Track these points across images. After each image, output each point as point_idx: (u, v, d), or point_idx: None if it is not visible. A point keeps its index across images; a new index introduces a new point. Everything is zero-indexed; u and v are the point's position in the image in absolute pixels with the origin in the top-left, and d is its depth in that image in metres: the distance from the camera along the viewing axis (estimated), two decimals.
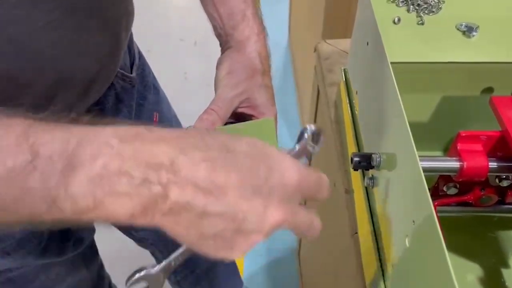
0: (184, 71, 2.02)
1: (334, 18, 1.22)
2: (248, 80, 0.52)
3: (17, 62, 0.44)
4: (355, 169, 0.55)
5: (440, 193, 0.55)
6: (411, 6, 0.63)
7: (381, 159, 0.50)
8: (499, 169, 0.50)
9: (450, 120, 0.64)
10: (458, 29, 0.61)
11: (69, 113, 0.34)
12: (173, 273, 1.11)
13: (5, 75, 0.44)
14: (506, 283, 0.57)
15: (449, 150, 0.52)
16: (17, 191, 0.30)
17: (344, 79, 0.70)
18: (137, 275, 0.37)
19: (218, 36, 0.56)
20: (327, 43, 0.82)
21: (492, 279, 0.58)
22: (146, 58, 0.77)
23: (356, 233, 0.61)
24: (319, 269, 1.03)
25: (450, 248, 0.59)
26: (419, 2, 0.63)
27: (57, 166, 0.30)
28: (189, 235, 0.32)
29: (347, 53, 0.76)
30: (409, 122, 0.42)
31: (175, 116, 0.85)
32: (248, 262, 1.48)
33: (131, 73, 0.66)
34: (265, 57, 0.54)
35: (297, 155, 0.39)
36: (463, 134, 0.50)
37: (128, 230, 0.88)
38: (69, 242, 0.70)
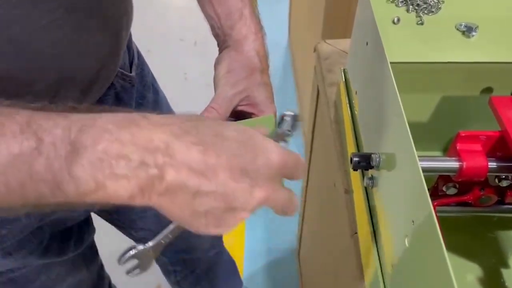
0: (184, 71, 2.02)
1: (334, 18, 1.22)
2: (247, 79, 0.53)
3: (18, 62, 0.44)
4: (355, 169, 0.55)
5: (439, 193, 0.55)
6: (411, 6, 0.63)
7: (381, 159, 0.50)
8: (499, 169, 0.50)
9: (449, 120, 0.64)
10: (457, 29, 0.61)
11: (67, 102, 0.37)
12: (173, 273, 1.11)
13: (6, 75, 0.44)
14: (506, 283, 0.57)
15: (448, 150, 0.52)
16: (23, 176, 0.32)
17: (343, 79, 0.70)
18: (129, 253, 0.40)
19: (216, 35, 0.56)
20: (326, 43, 0.82)
21: (492, 279, 0.58)
22: (146, 58, 0.77)
23: (356, 233, 0.61)
24: (319, 269, 1.03)
25: (450, 248, 0.59)
26: (418, 2, 0.63)
27: (61, 151, 0.32)
28: (182, 213, 0.35)
29: (347, 53, 0.76)
30: (408, 122, 0.42)
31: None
32: (248, 262, 1.48)
33: (131, 72, 0.66)
34: (263, 56, 0.55)
35: (276, 139, 0.43)
36: (463, 134, 0.50)
37: (128, 230, 0.88)
38: (70, 242, 0.70)
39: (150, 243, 0.41)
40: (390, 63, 0.48)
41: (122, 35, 0.56)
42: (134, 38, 0.71)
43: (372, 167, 0.52)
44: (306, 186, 1.11)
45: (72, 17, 0.46)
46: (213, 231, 0.37)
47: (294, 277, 1.39)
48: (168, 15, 2.30)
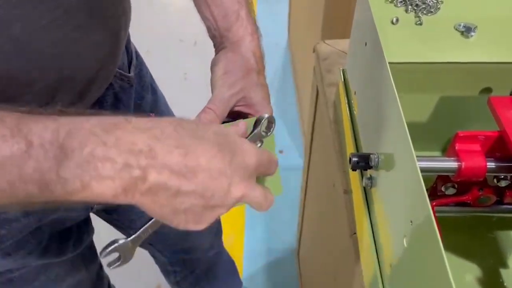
0: (184, 72, 2.02)
1: (333, 19, 1.22)
2: (244, 79, 0.53)
3: (18, 61, 0.44)
4: (354, 169, 0.55)
5: (438, 193, 0.55)
6: (410, 7, 0.63)
7: (379, 159, 0.50)
8: (497, 169, 0.50)
9: (448, 120, 0.64)
10: (456, 29, 0.61)
11: (55, 105, 0.39)
12: (173, 273, 1.11)
13: (6, 75, 0.44)
14: (505, 283, 0.57)
15: (447, 150, 0.52)
16: (13, 176, 0.34)
17: (342, 80, 0.70)
18: (110, 247, 0.43)
19: (212, 37, 0.56)
20: (326, 43, 0.82)
21: (491, 279, 0.58)
22: (146, 58, 0.77)
23: (355, 233, 0.61)
24: (319, 269, 1.03)
25: (449, 248, 0.59)
26: (417, 2, 0.63)
27: (49, 154, 0.34)
28: (163, 211, 0.37)
29: (346, 53, 0.76)
30: (407, 122, 0.42)
31: (173, 114, 0.85)
32: (247, 263, 1.48)
33: (129, 73, 0.66)
34: (260, 57, 0.55)
35: (252, 139, 0.47)
36: (461, 134, 0.50)
37: (127, 230, 0.88)
38: (69, 242, 0.70)
39: (130, 237, 0.45)
40: (389, 63, 0.48)
41: (121, 35, 0.56)
42: (133, 39, 0.71)
43: (371, 167, 0.52)
44: (306, 186, 1.11)
45: (72, 17, 0.46)
46: (192, 227, 0.40)
47: (293, 277, 1.39)
48: (167, 16, 2.30)
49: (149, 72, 0.77)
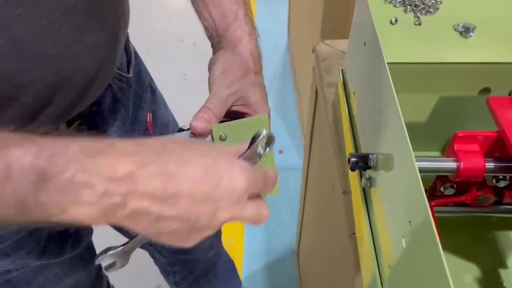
0: (183, 72, 2.02)
1: (333, 19, 1.22)
2: (242, 79, 0.53)
3: (17, 62, 0.44)
4: (352, 170, 0.55)
5: (437, 194, 0.55)
6: (408, 7, 0.63)
7: (378, 159, 0.50)
8: (496, 170, 0.50)
9: (447, 121, 0.64)
10: (455, 29, 0.61)
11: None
12: (172, 274, 1.11)
13: (5, 75, 0.44)
14: (504, 284, 0.57)
15: (446, 150, 0.52)
16: None
17: (342, 80, 0.70)
18: (103, 255, 0.43)
19: (210, 37, 0.56)
20: (325, 44, 0.82)
21: (490, 280, 0.58)
22: (145, 59, 0.77)
23: (354, 233, 0.61)
24: (318, 270, 1.03)
25: (448, 248, 0.59)
26: (416, 2, 0.63)
27: (29, 178, 0.34)
28: (147, 232, 0.38)
29: (345, 53, 0.76)
30: (406, 123, 0.42)
31: (172, 116, 0.85)
32: (247, 263, 1.48)
33: (128, 73, 0.66)
34: (257, 57, 0.55)
35: (249, 157, 0.45)
36: (460, 135, 0.50)
37: (126, 231, 0.88)
38: (68, 243, 0.70)
39: (123, 245, 0.44)
40: (388, 63, 0.48)
41: (120, 36, 0.56)
42: (133, 39, 0.71)
43: (369, 168, 0.52)
44: (305, 187, 1.11)
45: (72, 18, 0.46)
46: (180, 245, 0.40)
47: (293, 277, 1.39)
48: (167, 16, 2.30)
49: (148, 73, 0.77)
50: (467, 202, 0.55)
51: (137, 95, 0.70)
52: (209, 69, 0.54)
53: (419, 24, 0.62)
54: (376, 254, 0.53)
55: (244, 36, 0.54)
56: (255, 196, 0.42)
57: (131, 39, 0.70)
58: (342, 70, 0.70)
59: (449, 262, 0.33)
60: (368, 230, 0.55)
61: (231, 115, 0.53)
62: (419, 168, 0.39)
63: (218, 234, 1.10)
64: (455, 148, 0.50)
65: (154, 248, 1.01)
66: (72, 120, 0.56)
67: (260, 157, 0.46)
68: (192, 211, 0.37)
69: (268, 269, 1.48)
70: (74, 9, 0.46)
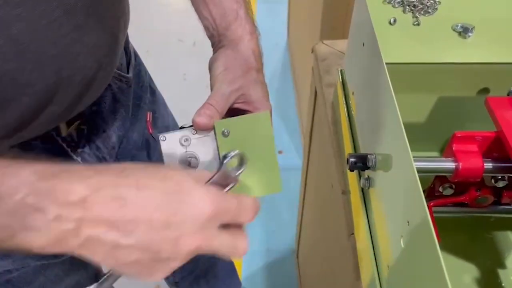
0: (183, 72, 2.02)
1: (332, 19, 1.22)
2: (243, 77, 0.53)
3: (18, 62, 0.44)
4: (351, 170, 0.56)
5: (436, 194, 0.55)
6: (407, 7, 0.63)
7: (377, 159, 0.50)
8: (495, 170, 0.50)
9: (446, 121, 0.64)
10: (454, 29, 0.61)
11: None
12: (172, 274, 1.11)
13: (4, 76, 0.44)
14: (503, 284, 0.57)
15: (445, 150, 0.52)
16: None
17: (341, 80, 0.70)
18: None
19: (211, 36, 0.56)
20: (324, 44, 0.83)
21: (489, 280, 0.58)
22: (145, 58, 0.77)
23: (353, 234, 0.61)
24: (318, 270, 1.03)
25: (447, 248, 0.59)
26: (415, 3, 0.63)
27: None
28: (108, 263, 0.36)
29: (345, 54, 0.76)
30: (405, 123, 0.42)
31: (172, 117, 0.85)
32: (246, 263, 1.48)
33: (128, 73, 0.66)
34: (259, 55, 0.55)
35: (220, 181, 0.42)
36: (459, 135, 0.50)
37: None
38: None
39: (101, 282, 0.41)
40: (387, 63, 0.48)
41: (120, 36, 0.56)
42: (133, 39, 0.71)
43: (368, 168, 0.52)
44: (305, 187, 1.11)
45: (71, 18, 0.46)
46: (146, 279, 0.37)
47: (293, 277, 1.39)
48: (167, 16, 2.30)
49: (148, 73, 0.77)
50: (466, 202, 0.55)
51: (136, 95, 0.70)
52: (210, 67, 0.54)
53: (418, 24, 0.62)
54: (375, 254, 0.53)
55: (245, 35, 0.54)
56: (234, 227, 0.39)
57: (131, 39, 0.70)
58: (341, 70, 0.70)
59: (447, 262, 0.33)
60: (367, 230, 0.55)
61: (232, 113, 0.53)
62: (417, 168, 0.39)
63: None
64: (453, 148, 0.50)
65: None
66: (72, 120, 0.57)
67: (236, 181, 0.43)
68: (151, 239, 0.35)
69: (267, 269, 1.48)
70: (74, 9, 0.46)
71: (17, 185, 0.33)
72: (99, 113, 0.61)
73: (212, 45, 0.57)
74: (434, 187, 0.55)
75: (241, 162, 0.46)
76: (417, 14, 0.62)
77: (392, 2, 0.64)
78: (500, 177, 0.52)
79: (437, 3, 0.63)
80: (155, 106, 0.76)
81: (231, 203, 0.39)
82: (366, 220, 0.55)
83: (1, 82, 0.44)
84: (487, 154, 0.50)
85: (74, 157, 0.59)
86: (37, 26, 0.43)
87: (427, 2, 0.63)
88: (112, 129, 0.64)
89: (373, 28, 0.52)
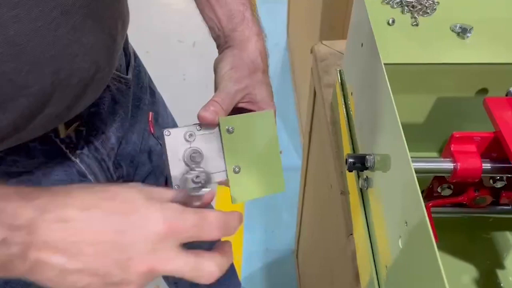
0: (183, 73, 2.02)
1: (332, 19, 1.22)
2: (250, 77, 0.53)
3: (15, 63, 0.44)
4: (350, 170, 0.56)
5: (434, 194, 0.55)
6: (406, 8, 0.63)
7: (375, 160, 0.50)
8: (493, 170, 0.50)
9: (445, 121, 0.64)
10: (452, 30, 0.61)
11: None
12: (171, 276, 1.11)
13: (2, 76, 0.44)
14: (502, 284, 0.57)
15: (443, 151, 0.52)
16: None
17: (339, 80, 0.70)
18: None
19: (216, 37, 0.56)
20: (323, 44, 0.83)
21: (487, 280, 0.58)
22: (145, 59, 0.77)
23: (352, 234, 0.61)
24: (317, 270, 1.03)
25: (445, 249, 0.59)
26: (413, 3, 0.63)
27: None
28: None
29: (343, 54, 0.76)
30: (404, 123, 0.42)
31: (172, 117, 0.85)
32: (246, 264, 1.48)
33: (127, 75, 0.66)
34: (265, 57, 0.55)
35: (183, 199, 0.40)
36: (457, 135, 0.50)
37: None
38: None
39: None
40: (385, 64, 0.48)
41: (118, 38, 0.56)
42: (133, 39, 0.71)
43: (367, 168, 0.52)
44: (304, 187, 1.11)
45: (68, 19, 0.46)
46: None
47: (292, 278, 1.39)
48: (166, 17, 2.30)
49: (148, 74, 0.77)
50: (464, 202, 0.55)
51: (136, 96, 0.70)
52: (216, 67, 0.54)
53: (416, 25, 0.62)
54: (373, 255, 0.53)
55: (252, 36, 0.54)
56: (202, 252, 0.37)
57: (130, 39, 0.70)
58: (340, 71, 0.70)
59: (446, 263, 0.33)
60: (365, 231, 0.55)
61: (237, 112, 0.52)
62: (416, 168, 0.39)
63: None
64: (452, 149, 0.50)
65: None
66: (71, 121, 0.57)
67: (200, 200, 0.42)
68: (99, 263, 0.33)
69: (267, 269, 1.48)
70: (71, 10, 0.46)
71: None
72: (98, 115, 0.61)
73: (218, 46, 0.57)
74: (432, 187, 0.55)
75: (207, 180, 0.44)
76: (415, 15, 0.62)
77: (390, 2, 0.64)
78: (498, 177, 0.52)
79: (436, 3, 0.64)
80: (155, 107, 0.76)
81: (189, 220, 0.36)
82: (365, 221, 0.55)
83: None
84: (485, 155, 0.50)
85: (73, 158, 0.59)
86: (34, 27, 0.43)
87: (426, 3, 0.63)
88: (111, 130, 0.64)
89: (371, 28, 0.52)
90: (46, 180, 0.56)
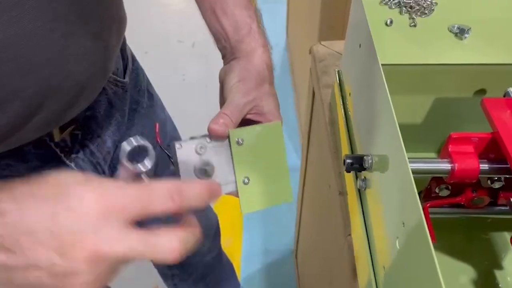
0: (182, 73, 2.02)
1: (331, 20, 1.22)
2: (257, 89, 0.53)
3: (5, 67, 0.44)
4: (348, 171, 0.56)
5: (432, 195, 0.55)
6: (404, 8, 0.63)
7: (373, 161, 0.50)
8: (491, 171, 0.50)
9: (443, 122, 0.64)
10: (450, 31, 0.61)
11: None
12: (171, 277, 1.11)
13: None
14: (500, 285, 0.57)
15: (441, 151, 0.52)
16: None
17: (338, 81, 0.70)
18: None
19: (223, 48, 0.56)
20: (322, 45, 0.83)
21: (486, 281, 0.58)
22: (144, 59, 0.77)
23: (350, 235, 0.61)
24: (316, 270, 1.03)
25: (443, 249, 0.59)
26: (411, 4, 0.63)
27: None
28: None
29: (342, 54, 0.76)
30: (402, 124, 0.42)
31: (170, 120, 0.85)
32: (245, 264, 1.48)
33: (124, 78, 0.66)
34: (271, 68, 0.56)
35: (127, 176, 0.37)
36: (454, 136, 0.50)
37: None
38: None
39: None
40: (383, 65, 0.48)
41: (112, 42, 0.56)
42: (132, 40, 0.71)
43: (364, 169, 0.52)
44: (303, 188, 1.11)
45: (59, 24, 0.46)
46: None
47: (291, 278, 1.39)
48: (166, 17, 2.30)
49: (146, 77, 0.76)
50: (462, 203, 0.55)
51: (133, 99, 0.70)
52: (224, 77, 0.54)
53: (414, 25, 0.62)
54: (371, 256, 0.53)
55: (259, 47, 0.55)
56: (159, 229, 0.34)
57: (130, 40, 0.70)
58: (338, 71, 0.70)
59: (444, 263, 0.33)
60: (363, 232, 0.55)
61: (244, 123, 0.53)
62: (413, 169, 0.39)
63: (217, 237, 1.10)
64: (449, 149, 0.50)
65: None
66: (66, 125, 0.56)
67: (143, 172, 0.38)
68: (39, 254, 0.31)
69: (266, 270, 1.48)
70: (63, 15, 0.46)
71: None
72: (94, 118, 0.61)
73: (223, 57, 0.57)
74: (430, 188, 0.55)
75: (146, 152, 0.39)
76: (413, 15, 0.62)
77: (388, 3, 0.64)
78: (496, 178, 0.52)
79: (434, 4, 0.64)
80: (153, 110, 0.76)
81: (131, 195, 0.33)
82: (363, 221, 0.55)
83: None
84: (483, 155, 0.50)
85: (68, 162, 0.59)
86: (25, 32, 0.43)
87: (424, 3, 0.63)
88: (107, 134, 0.64)
89: (369, 29, 0.52)
90: None
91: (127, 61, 0.68)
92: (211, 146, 0.49)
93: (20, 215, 0.32)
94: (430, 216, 0.54)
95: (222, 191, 0.47)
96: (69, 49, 0.48)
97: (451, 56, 0.59)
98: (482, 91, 0.61)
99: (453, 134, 0.50)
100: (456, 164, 0.49)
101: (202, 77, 1.92)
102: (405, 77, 0.60)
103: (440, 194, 0.55)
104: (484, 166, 0.49)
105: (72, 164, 0.59)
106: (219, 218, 1.08)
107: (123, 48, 0.67)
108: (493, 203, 0.55)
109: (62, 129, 0.56)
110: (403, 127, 0.42)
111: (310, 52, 0.83)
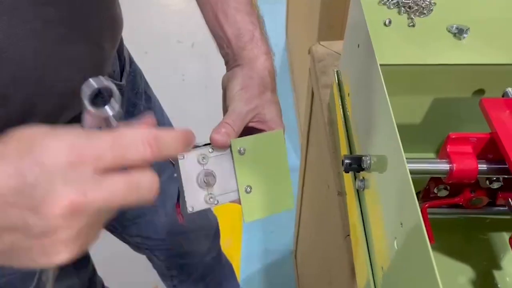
0: (182, 73, 2.02)
1: (330, 20, 1.22)
2: (259, 97, 0.53)
3: None
4: (346, 171, 0.55)
5: (431, 195, 0.55)
6: (402, 8, 0.63)
7: (371, 161, 0.50)
8: (489, 171, 0.50)
9: (442, 122, 0.64)
10: (449, 31, 0.61)
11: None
12: (170, 277, 1.11)
13: None
14: (499, 285, 0.57)
15: (439, 152, 0.52)
16: None
17: (337, 81, 0.70)
18: None
19: (225, 55, 0.56)
20: (321, 45, 0.83)
21: (484, 281, 0.58)
22: (143, 59, 0.77)
23: (348, 235, 0.61)
24: (315, 270, 1.03)
25: (442, 250, 0.59)
26: (410, 4, 0.63)
27: None
28: None
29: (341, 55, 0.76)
30: (401, 124, 0.42)
31: (169, 121, 0.85)
32: (245, 265, 1.48)
33: (121, 81, 0.66)
34: (273, 76, 0.56)
35: (94, 123, 0.34)
36: (453, 136, 0.50)
37: (122, 235, 0.88)
38: None
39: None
40: (382, 65, 0.48)
41: (107, 46, 0.56)
42: (132, 40, 0.71)
43: (363, 169, 0.52)
44: (302, 188, 1.11)
45: (52, 29, 0.46)
46: (43, 262, 0.31)
47: (291, 278, 1.39)
48: (166, 17, 2.30)
49: (144, 79, 0.76)
50: (461, 203, 0.55)
51: (130, 102, 0.69)
52: (226, 84, 0.54)
53: (413, 25, 0.62)
54: (370, 256, 0.53)
55: (261, 54, 0.55)
56: (132, 171, 0.32)
57: (129, 39, 0.70)
58: (337, 72, 0.70)
59: (443, 264, 0.33)
60: (362, 232, 0.55)
61: (246, 131, 0.53)
62: (412, 170, 0.39)
63: (216, 238, 1.10)
64: (448, 149, 0.50)
65: (150, 251, 1.01)
66: None
67: (112, 117, 0.35)
68: (11, 216, 0.29)
69: (266, 270, 1.48)
70: (54, 20, 0.46)
71: None
72: None
73: (226, 63, 0.57)
74: (429, 188, 0.55)
75: (110, 95, 0.36)
76: (412, 16, 0.62)
77: (387, 3, 0.64)
78: (494, 178, 0.52)
79: (432, 4, 0.64)
80: (150, 112, 0.76)
81: (101, 142, 0.31)
82: (362, 222, 0.55)
83: None
84: (481, 156, 0.50)
85: None
86: (16, 37, 0.43)
87: (422, 4, 0.63)
88: None
89: (368, 29, 0.52)
90: None
91: (124, 63, 0.68)
92: (213, 156, 0.49)
93: None
94: (429, 216, 0.54)
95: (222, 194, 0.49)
96: (60, 54, 0.48)
97: (450, 56, 0.59)
98: (480, 91, 0.61)
99: (452, 134, 0.50)
100: (455, 165, 0.49)
101: (201, 77, 1.92)
102: (404, 77, 0.60)
103: (438, 195, 0.55)
104: (483, 167, 0.49)
105: None
106: (218, 219, 1.08)
107: (120, 50, 0.67)
108: (492, 204, 0.55)
109: None
110: (401, 127, 0.42)
111: (309, 52, 0.83)
